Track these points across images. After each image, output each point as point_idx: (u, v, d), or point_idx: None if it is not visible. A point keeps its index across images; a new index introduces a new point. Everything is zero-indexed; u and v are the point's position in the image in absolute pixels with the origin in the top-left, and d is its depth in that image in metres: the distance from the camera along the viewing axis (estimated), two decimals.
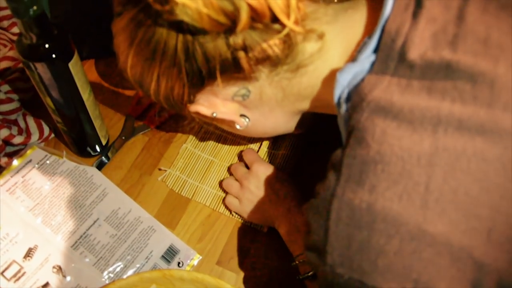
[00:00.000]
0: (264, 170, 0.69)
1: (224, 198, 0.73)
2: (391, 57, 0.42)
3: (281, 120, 0.58)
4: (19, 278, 0.63)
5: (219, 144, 0.79)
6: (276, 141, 0.77)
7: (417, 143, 0.39)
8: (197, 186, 0.75)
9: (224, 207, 0.73)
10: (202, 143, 0.79)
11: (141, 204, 0.72)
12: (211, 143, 0.79)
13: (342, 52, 0.49)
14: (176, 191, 0.74)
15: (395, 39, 0.42)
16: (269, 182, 0.68)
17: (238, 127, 0.57)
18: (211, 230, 0.71)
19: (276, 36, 0.44)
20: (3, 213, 0.66)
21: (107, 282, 0.64)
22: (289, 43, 0.46)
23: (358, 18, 0.48)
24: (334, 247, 0.41)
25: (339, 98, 0.46)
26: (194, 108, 0.53)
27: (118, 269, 0.66)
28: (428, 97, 0.40)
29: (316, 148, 0.79)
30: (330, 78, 0.49)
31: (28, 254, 0.64)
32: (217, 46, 0.45)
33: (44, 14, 0.54)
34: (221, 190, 0.75)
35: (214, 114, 0.53)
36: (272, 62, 0.47)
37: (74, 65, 0.60)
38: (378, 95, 0.41)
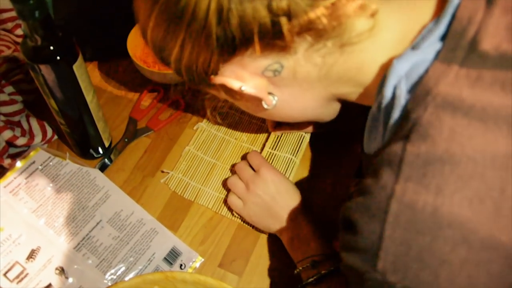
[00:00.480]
0: (272, 175, 0.68)
1: (226, 196, 0.73)
2: (460, 46, 0.39)
3: (311, 105, 0.53)
4: (22, 279, 0.63)
5: (222, 147, 0.80)
6: (278, 143, 0.78)
7: (491, 144, 0.36)
8: (200, 188, 0.75)
9: (226, 209, 0.73)
10: (204, 145, 0.80)
11: (143, 206, 0.72)
12: (213, 146, 0.80)
13: (397, 37, 0.44)
14: (179, 193, 0.74)
15: (466, 27, 0.39)
16: (276, 188, 0.67)
17: (265, 106, 0.51)
18: (213, 233, 0.71)
19: (324, 2, 0.40)
20: (6, 214, 0.66)
21: (109, 284, 0.64)
22: (337, 14, 0.41)
23: (419, 1, 0.44)
24: (389, 253, 0.38)
25: (394, 89, 0.42)
26: (220, 80, 0.47)
27: (120, 271, 0.66)
28: (502, 93, 0.37)
29: (319, 151, 0.80)
30: (380, 64, 0.45)
31: (31, 255, 0.64)
32: (256, 8, 0.40)
33: (49, 16, 0.54)
34: (223, 193, 0.75)
35: (243, 88, 0.48)
36: (316, 33, 0.42)
37: (79, 67, 0.60)
38: (445, 89, 0.38)
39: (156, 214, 0.72)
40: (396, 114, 0.42)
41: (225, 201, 0.73)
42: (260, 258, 0.69)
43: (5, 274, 0.63)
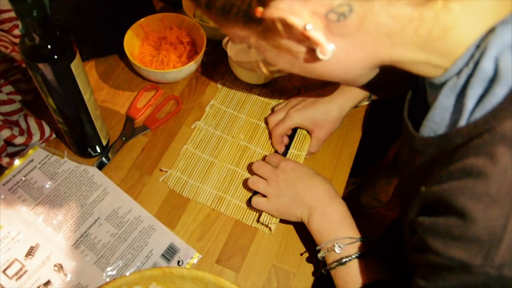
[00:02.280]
0: (292, 165, 0.69)
1: (249, 200, 0.73)
2: None
3: (360, 65, 0.46)
4: (21, 276, 0.63)
5: (219, 145, 0.80)
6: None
7: None
8: (198, 186, 0.76)
9: (224, 207, 0.74)
10: (202, 144, 0.80)
11: (141, 204, 0.72)
12: (211, 144, 0.80)
13: (495, 2, 0.38)
14: (177, 191, 0.75)
15: None
16: (296, 174, 0.68)
17: (320, 56, 0.43)
18: (210, 229, 0.72)
19: None
20: (5, 212, 0.67)
21: (107, 280, 0.65)
22: None
23: None
24: (511, 245, 0.34)
25: (496, 60, 0.37)
26: (276, 13, 0.39)
27: (118, 267, 0.66)
28: None
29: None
30: (471, 30, 0.40)
31: (30, 252, 0.65)
32: None
33: (47, 16, 0.54)
34: (222, 190, 0.75)
35: (309, 27, 0.40)
36: None
37: (76, 66, 0.61)
38: None
39: (153, 212, 0.72)
40: (502, 89, 0.37)
41: (248, 204, 0.74)
42: (256, 254, 0.70)
43: (4, 271, 0.63)
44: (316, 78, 0.52)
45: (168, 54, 0.85)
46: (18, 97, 0.77)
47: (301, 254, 0.70)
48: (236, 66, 0.85)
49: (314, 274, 0.68)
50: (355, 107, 0.80)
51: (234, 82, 0.88)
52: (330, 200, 0.65)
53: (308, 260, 0.70)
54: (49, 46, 0.57)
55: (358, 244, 0.61)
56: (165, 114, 0.83)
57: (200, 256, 0.69)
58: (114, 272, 0.66)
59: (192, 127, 0.82)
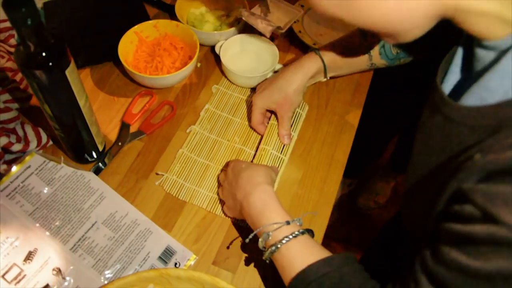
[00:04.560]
0: (233, 164, 0.71)
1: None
2: None
3: (420, 13, 0.43)
4: (20, 280, 0.64)
5: (215, 149, 0.81)
6: (270, 140, 0.80)
7: None
8: (194, 189, 0.77)
9: (220, 209, 0.75)
10: (197, 147, 0.81)
11: (137, 208, 0.73)
12: (206, 148, 0.81)
13: None
14: (173, 194, 0.76)
15: None
16: (233, 173, 0.70)
17: None
18: (206, 231, 0.73)
19: None
20: (3, 217, 0.68)
21: (105, 283, 0.66)
22: None
23: None
24: None
25: None
26: None
27: (116, 270, 0.67)
28: None
29: (309, 150, 0.81)
30: None
31: (28, 257, 0.66)
32: None
33: (41, 24, 0.56)
34: (217, 193, 0.76)
35: None
36: None
37: (71, 73, 0.62)
38: None
39: (150, 215, 0.73)
40: None
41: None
42: (252, 254, 0.71)
43: (3, 276, 0.64)
44: (361, 25, 0.46)
45: (162, 60, 0.86)
46: (15, 105, 0.78)
47: None
48: (229, 70, 0.86)
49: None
50: (315, 83, 0.85)
51: (228, 86, 0.90)
52: (252, 189, 0.65)
53: None
54: (43, 54, 0.58)
55: (286, 227, 0.60)
56: (160, 119, 0.84)
57: (197, 258, 0.70)
58: (112, 275, 0.67)
59: (188, 131, 0.83)
